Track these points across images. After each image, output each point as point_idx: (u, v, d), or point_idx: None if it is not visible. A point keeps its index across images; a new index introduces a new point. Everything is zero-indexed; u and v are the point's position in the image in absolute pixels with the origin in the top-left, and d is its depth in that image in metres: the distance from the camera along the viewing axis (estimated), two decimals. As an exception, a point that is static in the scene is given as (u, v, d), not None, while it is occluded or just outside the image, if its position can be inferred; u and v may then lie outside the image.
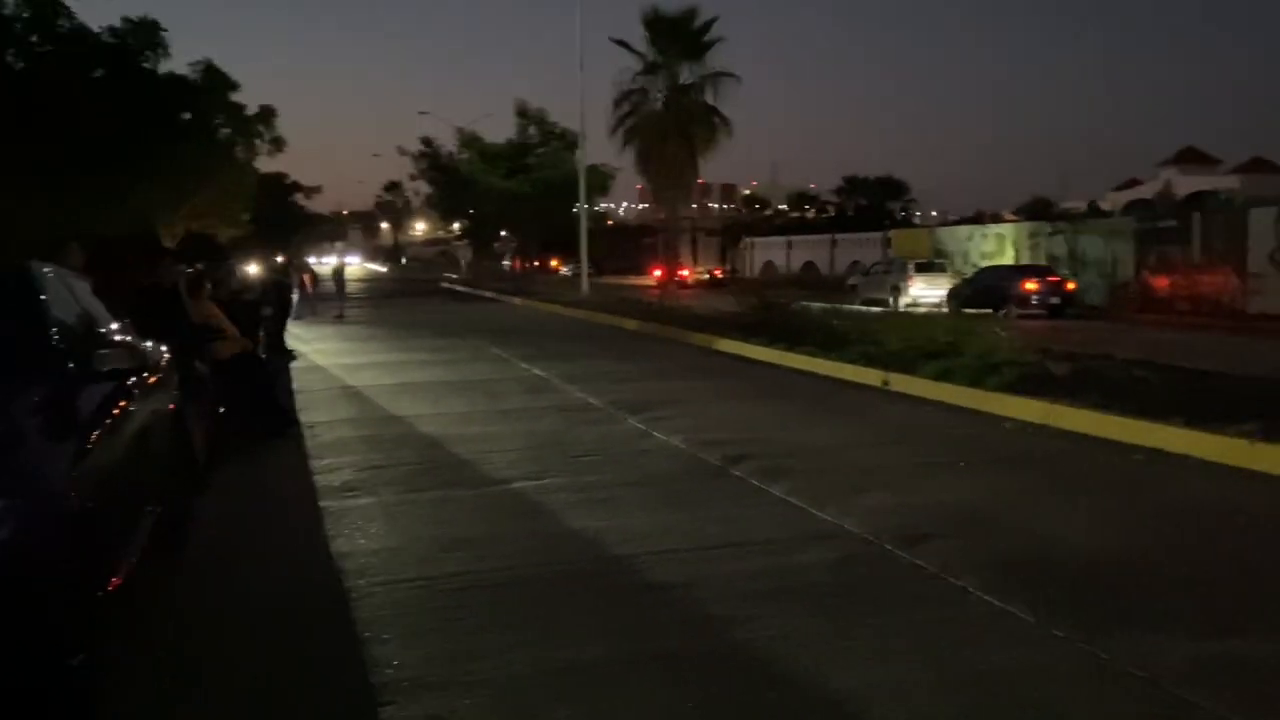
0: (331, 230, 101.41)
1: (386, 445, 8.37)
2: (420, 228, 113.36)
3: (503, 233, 54.08)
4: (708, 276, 50.58)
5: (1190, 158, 64.68)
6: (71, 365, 3.67)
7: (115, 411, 3.89)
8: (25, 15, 19.29)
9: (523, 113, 43.25)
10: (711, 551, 5.22)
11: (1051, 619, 4.16)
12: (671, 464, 7.49)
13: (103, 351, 3.75)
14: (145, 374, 4.45)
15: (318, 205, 75.45)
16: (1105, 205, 56.89)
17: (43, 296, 3.89)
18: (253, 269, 14.77)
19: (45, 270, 4.20)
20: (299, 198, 57.88)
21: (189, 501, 5.62)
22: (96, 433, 3.60)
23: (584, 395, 11.08)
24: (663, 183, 27.93)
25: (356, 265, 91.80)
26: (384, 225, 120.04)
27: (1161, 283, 25.95)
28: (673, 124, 26.98)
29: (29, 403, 3.26)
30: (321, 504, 6.48)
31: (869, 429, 8.90)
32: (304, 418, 9.78)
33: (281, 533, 5.89)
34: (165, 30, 21.94)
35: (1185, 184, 56.93)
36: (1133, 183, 67.28)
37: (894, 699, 3.47)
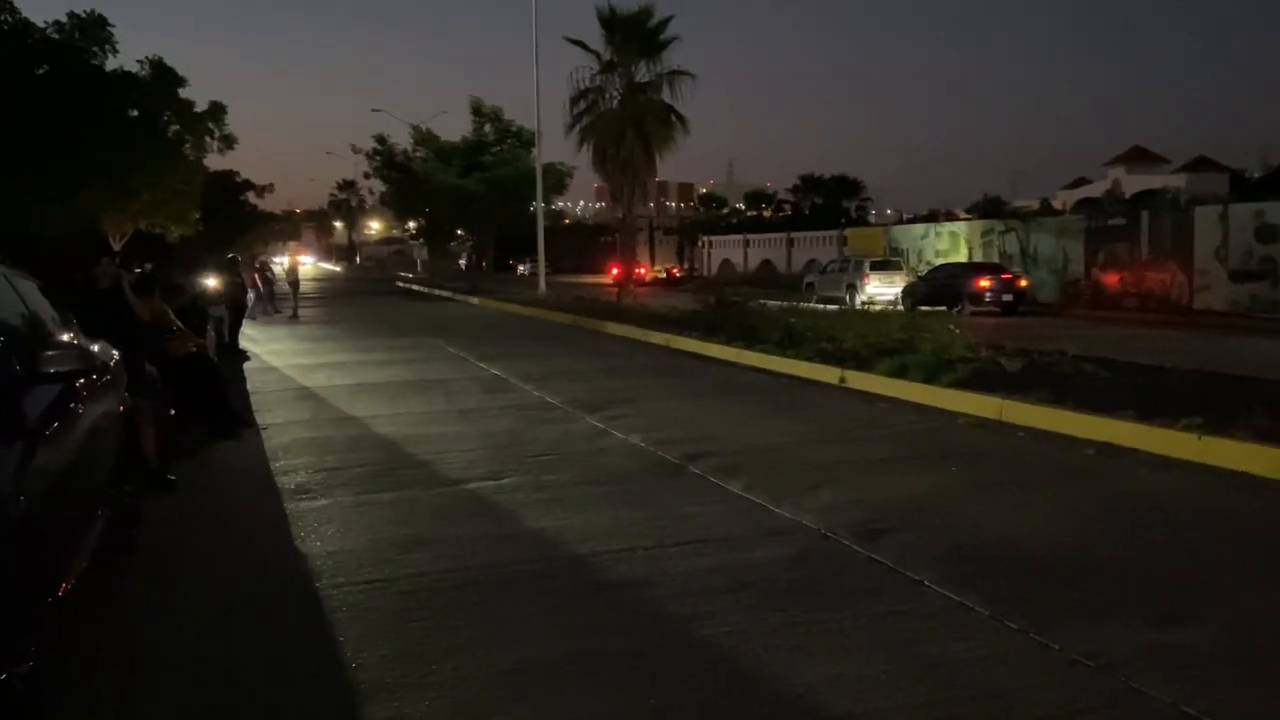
0: (284, 229, 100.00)
1: (342, 447, 8.28)
2: (375, 226, 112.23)
3: (459, 232, 53.71)
4: (664, 275, 50.69)
5: (1138, 157, 66.13)
6: (17, 367, 3.57)
7: (62, 414, 3.80)
8: (-35, 10, 18.84)
9: (478, 110, 42.97)
10: (670, 549, 5.23)
11: (1005, 611, 4.23)
12: (630, 462, 7.49)
13: (49, 353, 3.65)
14: (93, 375, 4.35)
15: (270, 204, 74.45)
16: (1056, 204, 57.91)
17: (-15, 297, 3.79)
18: (211, 281, 14.55)
19: (-12, 269, 4.09)
20: (250, 196, 56.90)
21: (138, 504, 5.51)
22: (43, 435, 3.51)
23: (542, 394, 11.05)
24: (620, 181, 27.86)
25: (310, 264, 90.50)
26: (338, 224, 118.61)
27: (1111, 280, 26.49)
28: (629, 122, 26.92)
29: (-30, 406, 3.17)
30: (277, 507, 6.38)
31: (826, 425, 8.97)
32: (257, 419, 9.64)
33: (236, 535, 5.79)
34: (113, 26, 21.51)
35: (1133, 183, 58.24)
36: (1082, 181, 68.62)
37: (853, 692, 3.51)
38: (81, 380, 4.08)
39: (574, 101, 27.96)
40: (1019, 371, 10.30)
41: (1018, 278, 25.46)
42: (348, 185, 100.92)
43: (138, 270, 11.11)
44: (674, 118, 27.67)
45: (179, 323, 9.01)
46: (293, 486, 6.89)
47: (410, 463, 7.57)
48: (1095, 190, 60.85)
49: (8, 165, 17.40)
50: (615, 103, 27.83)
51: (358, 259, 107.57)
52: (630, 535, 5.48)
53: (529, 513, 6.02)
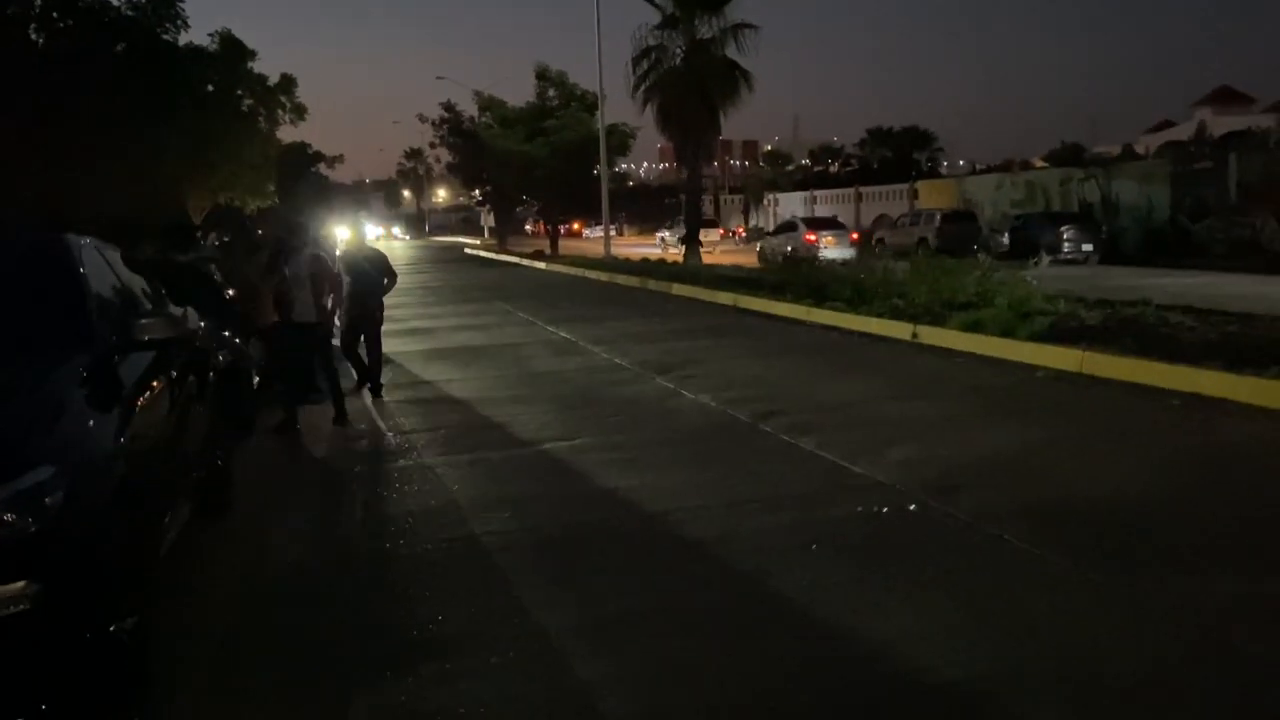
0: (354, 199, 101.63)
1: (420, 410, 8.46)
2: (442, 195, 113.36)
3: (524, 197, 53.90)
4: (730, 234, 50.25)
5: (1225, 97, 63.33)
6: (113, 335, 3.72)
7: (156, 380, 3.95)
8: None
9: (542, 75, 42.85)
10: (745, 506, 5.25)
11: (1088, 563, 4.16)
12: (701, 421, 7.51)
13: (143, 321, 3.80)
14: (184, 342, 4.51)
15: (340, 175, 75.61)
16: (1139, 149, 55.81)
17: (81, 269, 3.94)
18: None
19: (82, 241, 4.25)
20: (321, 167, 57.83)
21: (230, 466, 5.72)
22: (139, 401, 3.66)
23: (611, 356, 11.11)
24: (684, 141, 27.61)
25: (381, 235, 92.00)
26: (405, 193, 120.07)
27: (1198, 226, 25.49)
28: (693, 81, 26.56)
29: (72, 373, 3.32)
30: (359, 468, 6.58)
31: (899, 382, 8.86)
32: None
33: (323, 496, 5.98)
34: (183, 2, 21.94)
35: (1220, 124, 55.76)
36: (1166, 124, 65.96)
37: (934, 645, 3.49)
38: (173, 347, 4.22)
39: (636, 61, 27.69)
40: (1100, 323, 10.01)
41: (1099, 226, 24.67)
42: (415, 154, 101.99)
43: (218, 243, 11.40)
44: (738, 74, 27.23)
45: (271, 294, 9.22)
46: (375, 448, 7.07)
47: (486, 425, 7.70)
48: (1181, 133, 58.40)
49: (91, 145, 17.97)
50: (678, 60, 27.49)
51: (425, 227, 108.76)
52: (705, 493, 5.51)
53: (604, 473, 6.08)
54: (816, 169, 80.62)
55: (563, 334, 13.48)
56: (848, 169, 74.99)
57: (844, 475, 5.78)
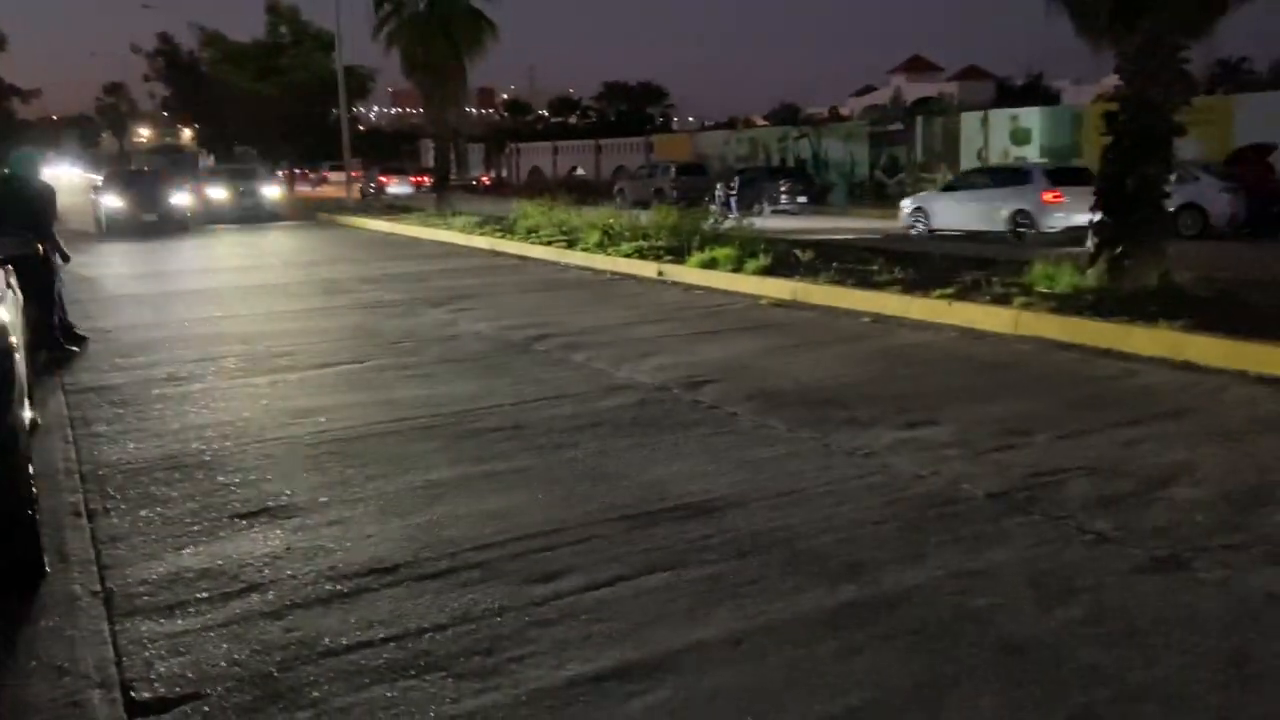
0: (46, 138, 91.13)
1: (198, 342, 8.70)
2: (145, 134, 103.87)
3: (249, 140, 50.95)
4: (474, 182, 50.33)
5: (917, 65, 70.77)
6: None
7: (11, 288, 4.33)
8: None
9: (273, 10, 40.73)
10: (531, 403, 6.24)
11: (798, 427, 5.53)
12: (481, 344, 8.39)
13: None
14: (24, 260, 4.82)
15: (37, 111, 67.49)
16: (845, 110, 61.31)
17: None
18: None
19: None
20: (15, 103, 51.73)
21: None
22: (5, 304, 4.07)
23: (381, 293, 11.65)
24: (430, 87, 27.61)
25: (78, 177, 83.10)
26: (105, 133, 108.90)
27: (892, 180, 29.02)
28: (437, 26, 26.59)
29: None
30: (155, 391, 6.88)
31: (649, 310, 10.14)
32: (96, 324, 9.77)
33: (131, 415, 6.27)
34: None
35: (912, 90, 62.45)
36: (868, 89, 72.75)
37: (689, 481, 4.66)
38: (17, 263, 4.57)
39: (379, 3, 27.26)
40: (810, 260, 11.79)
41: (811, 180, 27.47)
42: (116, 89, 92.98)
43: None
44: (483, 23, 27.52)
45: None
46: (163, 376, 7.37)
47: (274, 353, 8.14)
48: (880, 97, 64.76)
49: None
50: (422, 5, 27.35)
51: (131, 169, 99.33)
52: (495, 396, 6.44)
53: (402, 385, 6.85)
54: (555, 120, 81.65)
55: (325, 274, 13.74)
56: (586, 121, 76.62)
57: (611, 379, 6.91)
